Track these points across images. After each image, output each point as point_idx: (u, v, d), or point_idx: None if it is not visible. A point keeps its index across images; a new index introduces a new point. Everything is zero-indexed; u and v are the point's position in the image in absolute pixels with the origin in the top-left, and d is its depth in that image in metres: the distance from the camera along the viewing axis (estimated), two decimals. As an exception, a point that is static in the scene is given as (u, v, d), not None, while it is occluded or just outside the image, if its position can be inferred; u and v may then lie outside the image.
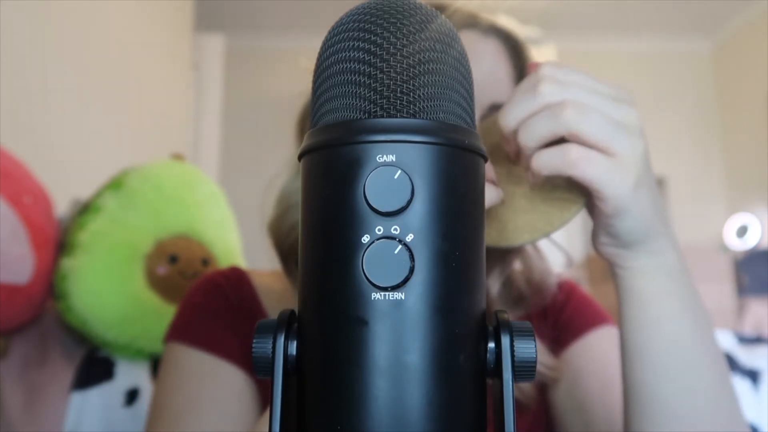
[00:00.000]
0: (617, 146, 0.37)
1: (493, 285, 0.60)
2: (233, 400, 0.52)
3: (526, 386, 0.58)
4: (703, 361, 0.43)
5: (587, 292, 0.65)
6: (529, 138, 0.39)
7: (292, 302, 0.58)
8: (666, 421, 0.42)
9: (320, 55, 0.26)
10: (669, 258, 0.42)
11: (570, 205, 0.44)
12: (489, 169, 0.42)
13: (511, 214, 0.46)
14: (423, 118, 0.23)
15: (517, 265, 0.62)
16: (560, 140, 0.38)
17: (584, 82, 0.39)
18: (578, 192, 0.44)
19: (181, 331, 0.57)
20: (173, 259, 0.79)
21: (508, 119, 0.40)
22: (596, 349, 0.59)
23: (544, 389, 0.60)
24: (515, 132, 0.40)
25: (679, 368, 0.42)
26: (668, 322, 0.42)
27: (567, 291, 0.64)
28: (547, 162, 0.38)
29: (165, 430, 0.50)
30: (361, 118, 0.23)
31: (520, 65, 0.58)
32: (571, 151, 0.37)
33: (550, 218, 0.45)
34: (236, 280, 0.61)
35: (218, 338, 0.55)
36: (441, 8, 0.54)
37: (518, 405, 0.58)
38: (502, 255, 0.59)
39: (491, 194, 0.41)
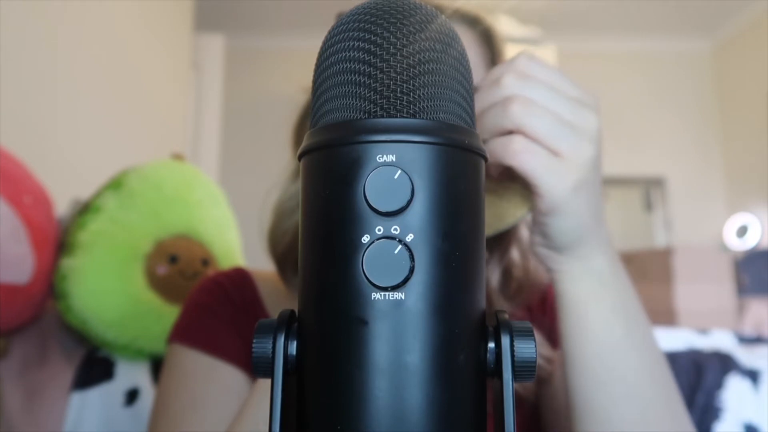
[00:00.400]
0: (562, 146, 0.37)
1: (493, 275, 0.60)
2: (234, 402, 0.52)
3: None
4: (637, 368, 0.42)
5: None
6: (483, 129, 0.39)
7: (294, 303, 0.58)
8: (600, 427, 0.41)
9: (320, 55, 0.26)
10: (599, 263, 0.42)
11: (524, 202, 0.43)
12: None
13: None
14: (423, 118, 0.23)
15: (515, 256, 0.62)
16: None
17: (548, 79, 0.39)
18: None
19: (183, 333, 0.57)
20: (173, 259, 0.79)
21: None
22: None
23: (540, 382, 0.60)
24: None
25: (611, 376, 0.41)
26: (598, 328, 0.42)
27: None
28: (492, 151, 0.39)
29: (166, 430, 0.50)
30: (361, 118, 0.23)
31: (492, 50, 0.57)
32: (514, 141, 0.38)
33: (501, 214, 0.44)
34: (239, 281, 0.61)
35: (220, 340, 0.55)
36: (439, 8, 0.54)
37: (517, 397, 0.58)
38: (499, 243, 0.59)
39: None
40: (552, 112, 0.38)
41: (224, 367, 0.54)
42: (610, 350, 0.41)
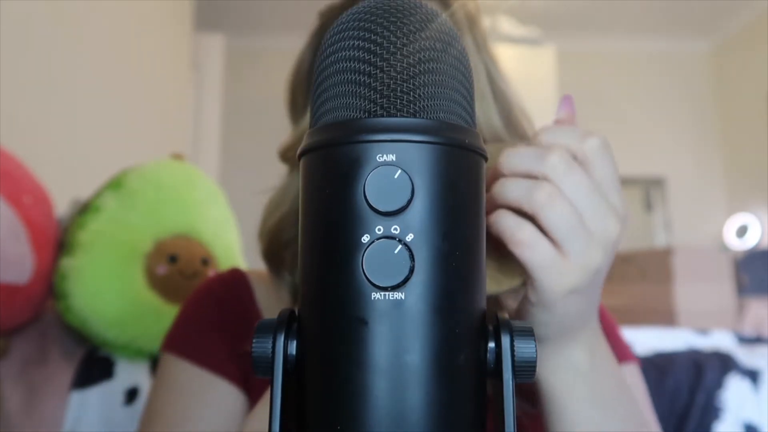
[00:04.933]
0: (571, 248, 0.36)
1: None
2: (222, 417, 0.52)
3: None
4: None
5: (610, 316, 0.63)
6: (499, 193, 0.38)
7: (290, 305, 0.58)
8: None
9: (320, 54, 0.26)
10: (576, 357, 0.42)
11: (522, 273, 0.42)
12: None
13: None
14: (423, 118, 0.23)
15: None
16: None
17: (598, 176, 0.37)
18: None
19: (175, 343, 0.57)
20: (173, 259, 0.79)
21: (507, 164, 0.38)
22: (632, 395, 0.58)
23: None
24: (501, 176, 0.39)
25: None
26: (573, 417, 0.42)
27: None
28: (498, 224, 0.37)
29: None
30: (361, 117, 0.23)
31: (452, 19, 0.56)
32: (524, 229, 0.36)
33: (500, 280, 0.43)
34: (234, 285, 0.60)
35: (211, 352, 0.55)
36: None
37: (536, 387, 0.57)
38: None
39: None
40: (577, 213, 0.36)
41: (214, 380, 0.54)
42: None
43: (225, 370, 0.54)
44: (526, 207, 0.36)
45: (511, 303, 0.44)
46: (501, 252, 0.41)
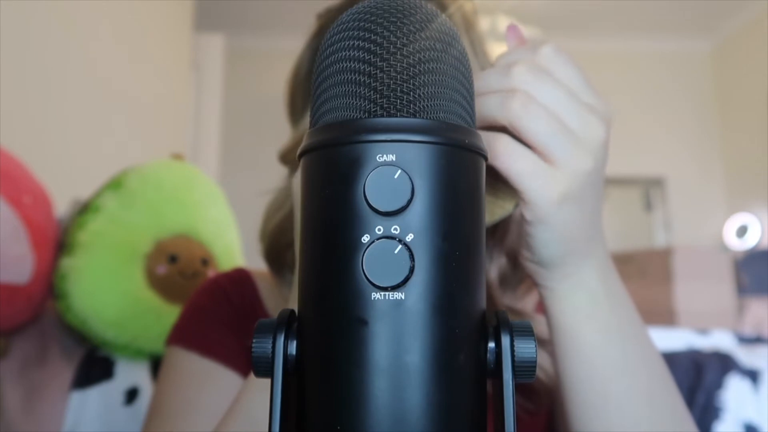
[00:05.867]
0: (556, 154, 0.34)
1: (492, 270, 0.57)
2: (228, 404, 0.52)
3: (546, 363, 0.55)
4: (634, 395, 0.39)
5: None
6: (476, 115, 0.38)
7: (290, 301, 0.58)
8: None
9: (320, 54, 0.26)
10: (589, 280, 0.39)
11: (512, 197, 0.40)
12: None
13: None
14: (423, 118, 0.23)
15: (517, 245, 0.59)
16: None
17: (564, 78, 0.36)
18: None
19: (182, 335, 0.57)
20: (173, 259, 0.79)
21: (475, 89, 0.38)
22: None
23: (555, 399, 0.58)
24: None
25: (606, 401, 0.39)
26: (590, 351, 0.39)
27: None
28: None
29: (159, 431, 0.50)
30: (361, 117, 0.23)
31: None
32: (499, 141, 0.35)
33: (491, 209, 0.41)
34: (240, 283, 0.61)
35: (218, 343, 0.55)
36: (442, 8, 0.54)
37: (537, 389, 0.56)
38: (494, 233, 0.56)
39: None
40: (555, 116, 0.34)
41: (221, 370, 0.54)
42: (603, 374, 0.39)
43: (232, 360, 0.54)
44: (501, 118, 0.35)
45: (520, 251, 0.41)
46: (489, 180, 0.41)
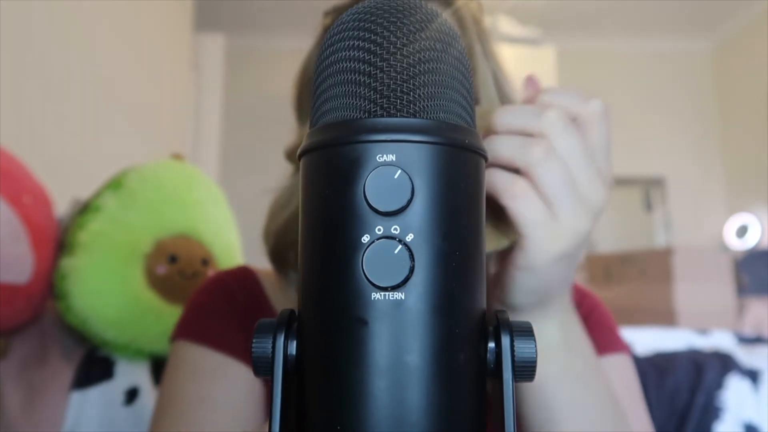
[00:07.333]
0: (563, 211, 0.35)
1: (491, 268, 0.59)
2: (244, 397, 0.51)
3: None
4: (583, 426, 0.41)
5: (605, 309, 0.62)
6: (493, 149, 0.37)
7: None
8: None
9: (320, 54, 0.26)
10: (548, 333, 0.41)
11: (509, 234, 0.40)
12: None
13: None
14: (423, 118, 0.23)
15: None
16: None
17: (592, 138, 0.36)
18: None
19: (189, 329, 0.56)
20: (173, 259, 0.79)
21: (501, 120, 0.37)
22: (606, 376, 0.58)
23: None
24: (493, 133, 0.38)
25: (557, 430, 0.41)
26: (543, 391, 0.41)
27: (589, 305, 0.61)
28: (493, 179, 0.36)
29: (175, 426, 0.49)
30: (361, 117, 0.23)
31: (464, 31, 0.55)
32: (517, 183, 0.35)
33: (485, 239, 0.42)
34: (244, 279, 0.60)
35: (227, 335, 0.54)
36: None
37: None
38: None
39: None
40: (570, 174, 0.35)
41: (231, 362, 0.53)
42: (555, 414, 0.41)
43: (241, 352, 0.53)
44: (520, 163, 0.35)
45: (491, 267, 0.43)
46: (490, 211, 0.40)
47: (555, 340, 0.42)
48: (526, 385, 0.42)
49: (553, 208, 0.35)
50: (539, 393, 0.41)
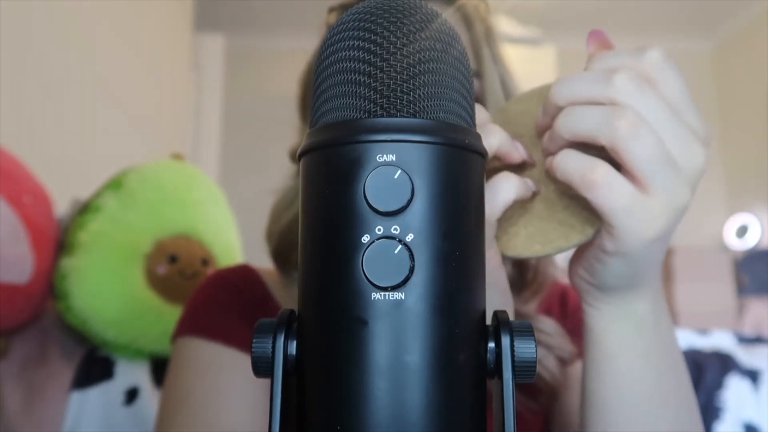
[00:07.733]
0: (657, 186, 0.30)
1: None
2: (254, 390, 0.50)
3: (551, 364, 0.56)
4: (660, 422, 0.38)
5: None
6: (565, 125, 0.32)
7: None
8: None
9: (320, 54, 0.26)
10: (641, 309, 0.38)
11: (594, 220, 0.36)
12: (517, 151, 0.36)
13: (525, 218, 0.38)
14: (423, 118, 0.23)
15: None
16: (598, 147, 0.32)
17: (669, 93, 0.32)
18: None
19: (193, 325, 0.55)
20: (173, 259, 0.79)
21: (562, 93, 0.32)
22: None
23: (553, 396, 0.59)
24: (559, 109, 0.33)
25: (629, 426, 0.38)
26: (625, 375, 0.38)
27: None
28: (567, 166, 0.32)
29: (191, 424, 0.48)
30: (361, 117, 0.23)
31: (473, 35, 0.54)
32: (598, 170, 0.31)
33: (567, 233, 0.37)
34: (246, 277, 0.60)
35: (232, 330, 0.53)
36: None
37: (530, 408, 0.57)
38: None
39: (519, 187, 0.35)
40: (660, 142, 0.30)
41: (239, 356, 0.52)
42: (633, 399, 0.38)
43: (247, 345, 0.52)
44: (605, 139, 0.30)
45: (573, 267, 0.39)
46: (567, 199, 0.36)
47: (645, 319, 0.38)
48: (604, 364, 0.38)
49: (646, 188, 0.31)
50: (620, 373, 0.38)
